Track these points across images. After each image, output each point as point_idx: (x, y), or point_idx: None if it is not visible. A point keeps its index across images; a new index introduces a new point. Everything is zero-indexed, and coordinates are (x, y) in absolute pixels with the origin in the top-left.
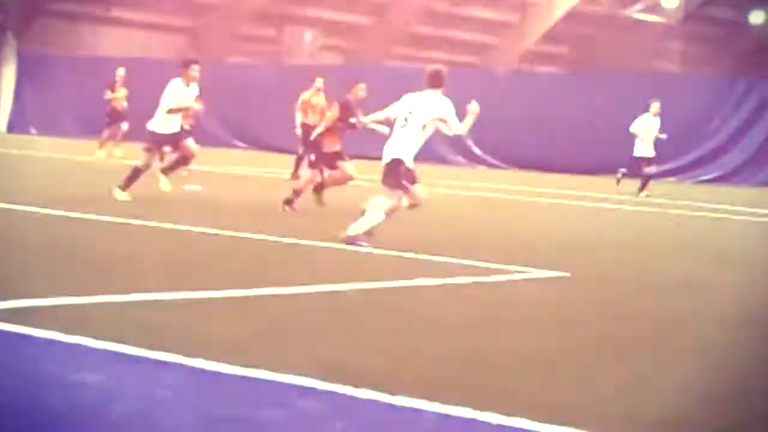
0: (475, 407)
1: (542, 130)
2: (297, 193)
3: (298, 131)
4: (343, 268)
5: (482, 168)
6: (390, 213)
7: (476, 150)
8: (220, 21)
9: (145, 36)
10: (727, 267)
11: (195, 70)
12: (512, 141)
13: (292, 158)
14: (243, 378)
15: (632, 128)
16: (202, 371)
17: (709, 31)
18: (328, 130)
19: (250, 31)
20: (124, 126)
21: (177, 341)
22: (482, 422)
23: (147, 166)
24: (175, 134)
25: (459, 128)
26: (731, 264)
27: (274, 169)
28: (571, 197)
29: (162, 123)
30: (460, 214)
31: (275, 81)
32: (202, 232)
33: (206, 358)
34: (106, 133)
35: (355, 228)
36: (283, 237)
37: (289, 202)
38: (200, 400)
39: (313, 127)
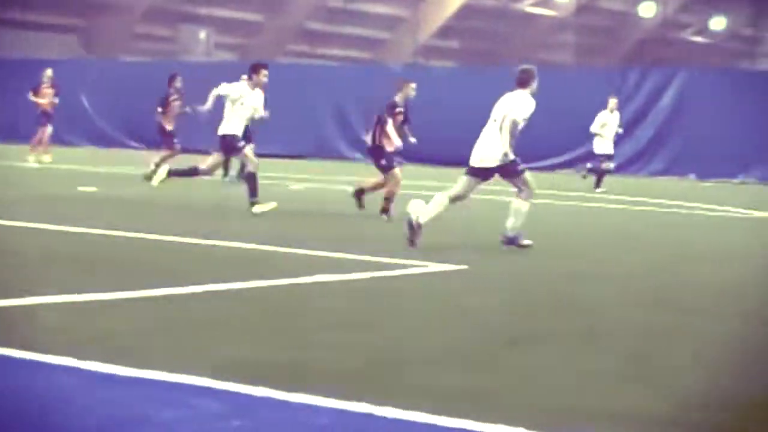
0: (372, 402)
1: (437, 124)
2: (388, 200)
3: None
4: (242, 266)
5: None
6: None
7: None
8: (114, 20)
9: (38, 36)
10: (629, 254)
11: (264, 75)
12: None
13: (189, 157)
14: (138, 379)
15: (593, 128)
16: (97, 373)
17: (601, 23)
18: (385, 132)
19: (144, 29)
20: (49, 130)
21: (71, 344)
22: (379, 417)
23: (209, 171)
24: (238, 137)
25: (514, 118)
26: (633, 251)
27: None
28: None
29: (232, 125)
30: (357, 211)
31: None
32: (98, 234)
33: (101, 360)
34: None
35: (510, 225)
36: (180, 236)
37: (384, 210)
38: (95, 403)
39: None
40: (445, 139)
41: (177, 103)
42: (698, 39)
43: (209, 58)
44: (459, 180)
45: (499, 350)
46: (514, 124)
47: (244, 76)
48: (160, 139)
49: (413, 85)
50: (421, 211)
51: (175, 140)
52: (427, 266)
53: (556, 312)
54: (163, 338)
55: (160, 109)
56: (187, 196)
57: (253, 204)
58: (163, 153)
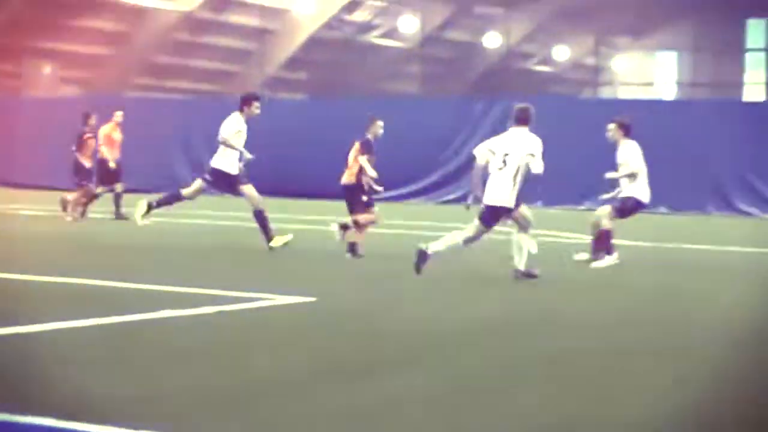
0: None
1: (285, 156)
2: (354, 228)
3: (112, 165)
4: (87, 303)
5: (228, 196)
6: (467, 242)
7: None
8: None
9: None
10: (473, 282)
11: (256, 107)
12: (257, 168)
13: (35, 193)
14: None
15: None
16: None
17: (447, 53)
18: (360, 170)
19: None
20: None
21: None
22: None
23: (191, 196)
24: (236, 176)
25: (540, 168)
26: (477, 279)
27: (14, 206)
28: (309, 222)
29: (227, 162)
30: (207, 245)
31: (14, 115)
32: None
33: None
34: None
35: (436, 246)
36: (21, 273)
37: (343, 227)
38: None
39: (109, 162)
40: (292, 171)
41: (92, 141)
42: (543, 68)
43: (54, 93)
44: (472, 223)
45: (346, 382)
46: (528, 168)
47: (119, 113)
48: (76, 178)
49: (380, 123)
50: (433, 243)
51: (92, 179)
52: (275, 299)
53: (404, 342)
54: (3, 379)
55: (74, 148)
56: (32, 231)
57: (270, 239)
58: (76, 193)
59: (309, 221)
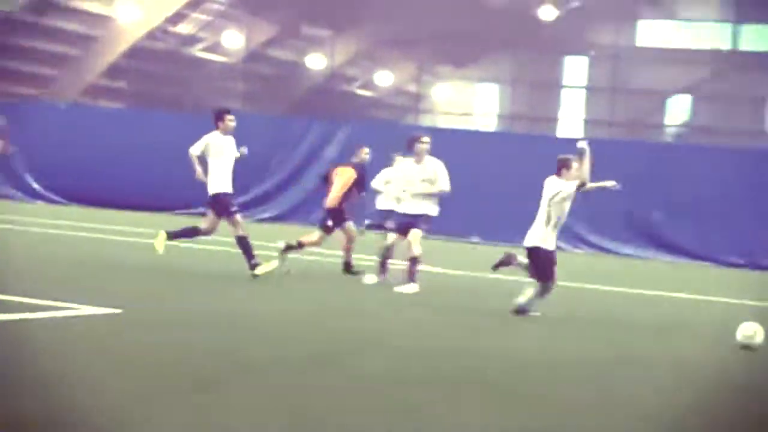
0: None
1: (103, 165)
2: (301, 245)
3: None
4: None
5: (40, 203)
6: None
7: (35, 185)
8: None
9: None
10: (298, 310)
11: (231, 120)
12: (72, 176)
13: None
14: None
15: (374, 185)
16: None
17: (270, 71)
18: (347, 195)
19: None
20: None
21: None
22: None
23: (209, 231)
24: (231, 195)
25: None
26: (301, 308)
27: None
28: (126, 233)
29: (223, 183)
30: (10, 249)
31: None
32: None
33: None
34: None
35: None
36: None
37: (289, 248)
38: None
39: None
40: (108, 180)
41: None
42: (365, 92)
43: None
44: None
45: (157, 398)
46: (549, 211)
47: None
48: None
49: (367, 149)
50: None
51: None
52: (79, 309)
53: (214, 358)
54: None
55: None
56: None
57: (254, 267)
58: None
59: (120, 232)
